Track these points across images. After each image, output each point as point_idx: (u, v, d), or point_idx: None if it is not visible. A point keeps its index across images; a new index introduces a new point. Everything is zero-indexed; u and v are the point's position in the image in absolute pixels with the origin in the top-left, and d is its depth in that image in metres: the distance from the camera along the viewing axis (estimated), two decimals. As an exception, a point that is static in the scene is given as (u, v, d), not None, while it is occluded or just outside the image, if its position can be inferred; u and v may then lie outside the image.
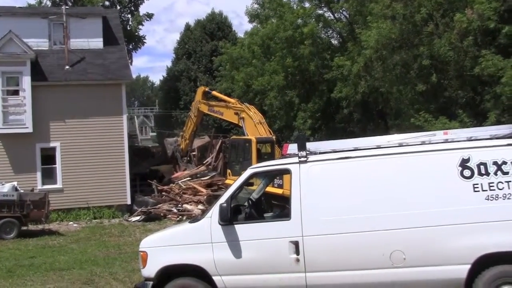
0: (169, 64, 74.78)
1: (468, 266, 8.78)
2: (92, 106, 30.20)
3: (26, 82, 29.21)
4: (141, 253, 9.99)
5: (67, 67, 30.84)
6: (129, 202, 30.77)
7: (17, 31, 29.18)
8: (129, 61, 37.11)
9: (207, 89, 35.69)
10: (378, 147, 9.66)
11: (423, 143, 9.63)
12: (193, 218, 11.15)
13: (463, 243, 8.81)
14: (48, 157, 29.91)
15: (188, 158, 36.97)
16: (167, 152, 38.68)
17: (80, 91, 30.45)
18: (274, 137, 27.45)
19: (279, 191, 20.35)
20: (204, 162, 36.90)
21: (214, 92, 34.84)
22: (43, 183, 29.39)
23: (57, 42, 32.10)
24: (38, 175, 29.55)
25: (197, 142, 38.21)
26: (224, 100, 31.93)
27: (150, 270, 9.78)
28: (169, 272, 9.72)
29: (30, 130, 29.07)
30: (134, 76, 47.65)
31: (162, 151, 39.94)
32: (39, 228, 25.69)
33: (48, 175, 29.85)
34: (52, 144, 29.96)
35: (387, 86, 31.14)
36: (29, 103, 29.06)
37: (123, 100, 31.59)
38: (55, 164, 29.96)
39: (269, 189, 19.60)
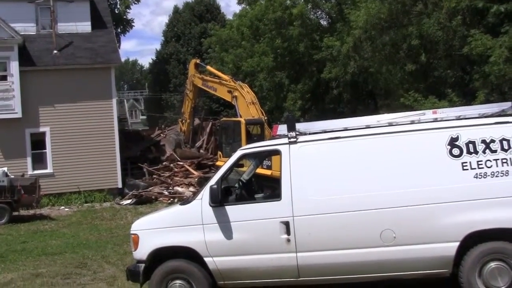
0: (157, 47, 74.74)
1: (457, 244, 8.88)
2: (81, 90, 30.06)
3: (14, 67, 29.02)
4: (133, 236, 10.02)
5: (55, 51, 30.64)
6: (120, 185, 30.75)
7: (3, 16, 28.91)
8: (118, 44, 36.86)
9: (198, 61, 35.47)
10: (368, 127, 9.69)
11: (412, 122, 9.68)
12: (184, 200, 11.17)
13: (452, 221, 8.88)
14: (38, 142, 29.80)
15: (192, 143, 36.88)
16: (170, 148, 37.69)
17: (69, 76, 30.28)
18: (265, 118, 27.40)
19: (268, 172, 20.36)
20: (196, 145, 36.85)
21: (208, 67, 34.60)
22: (34, 168, 29.30)
23: (44, 26, 31.80)
24: (28, 160, 29.45)
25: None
26: (218, 76, 31.75)
27: (142, 252, 9.82)
28: (161, 254, 9.77)
29: (19, 115, 28.94)
30: (122, 59, 47.42)
31: (166, 149, 38.73)
32: (30, 213, 25.67)
33: (38, 160, 29.75)
34: (41, 129, 29.83)
35: (377, 66, 31.16)
36: (17, 88, 28.89)
37: (113, 84, 31.48)
38: (45, 149, 29.86)
39: (258, 170, 19.62)
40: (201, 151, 36.20)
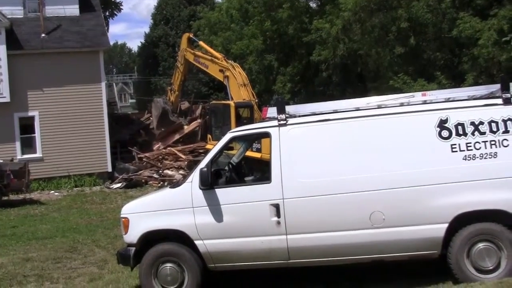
0: (146, 30, 74.35)
1: (446, 225, 8.96)
2: (70, 74, 29.87)
3: (1, 51, 28.72)
4: (123, 220, 10.02)
5: (43, 35, 30.37)
6: (110, 169, 30.69)
7: (-10, -1, 28.72)
8: (106, 28, 36.62)
9: (191, 35, 34.95)
10: (358, 109, 9.71)
11: (402, 104, 9.70)
12: (174, 184, 11.18)
13: (441, 203, 8.96)
14: (27, 127, 29.63)
15: (179, 112, 36.72)
16: (156, 113, 37.81)
17: (57, 59, 30.07)
18: (256, 100, 27.31)
19: (257, 155, 20.35)
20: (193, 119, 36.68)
21: (201, 43, 34.04)
22: (23, 153, 29.15)
23: (32, 9, 31.54)
24: (17, 144, 29.29)
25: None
26: (211, 53, 31.42)
27: (132, 236, 9.83)
28: (151, 238, 9.78)
29: (7, 99, 28.73)
30: (111, 43, 47.12)
31: (152, 114, 38.76)
32: (20, 197, 25.58)
33: (28, 145, 29.60)
34: (30, 113, 29.66)
35: (366, 49, 31.13)
36: (5, 72, 28.65)
37: (101, 68, 31.30)
38: (34, 133, 29.69)
39: (247, 153, 19.62)
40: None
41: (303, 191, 9.24)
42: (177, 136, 34.45)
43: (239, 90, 26.96)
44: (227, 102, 26.82)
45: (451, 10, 26.39)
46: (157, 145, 34.01)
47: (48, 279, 12.03)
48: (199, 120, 35.35)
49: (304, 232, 9.25)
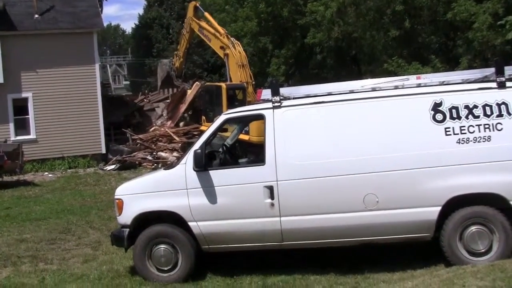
0: (139, 11, 73.94)
1: (439, 208, 8.99)
2: (64, 55, 29.70)
3: (-6, 31, 28.65)
4: (117, 201, 10.04)
5: (36, 15, 30.14)
6: (103, 151, 30.62)
7: (-18, -21, 28.46)
8: (100, 9, 36.39)
9: (198, 4, 34.65)
10: (352, 92, 9.71)
11: (396, 87, 9.71)
12: (168, 165, 11.18)
13: (434, 186, 8.98)
14: (21, 108, 29.52)
15: (184, 77, 36.68)
16: (161, 75, 37.81)
17: (51, 40, 29.88)
18: (253, 82, 27.24)
19: (245, 137, 20.28)
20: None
21: (206, 14, 33.58)
22: (16, 134, 29.04)
23: (25, -11, 31.34)
24: (11, 126, 29.17)
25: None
26: (214, 27, 31.09)
27: (126, 217, 9.85)
28: (145, 219, 9.81)
29: (1, 80, 28.55)
30: (105, 24, 46.84)
31: (158, 74, 38.86)
32: (14, 179, 25.54)
33: (21, 126, 29.48)
34: (24, 95, 29.52)
35: (360, 32, 31.11)
36: (-2, 53, 28.56)
37: (95, 49, 31.14)
38: (28, 114, 29.56)
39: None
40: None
41: (297, 173, 9.26)
42: (183, 107, 34.19)
43: (237, 71, 26.85)
44: (220, 84, 26.85)
45: (447, -7, 26.36)
46: (169, 123, 33.90)
47: (42, 260, 12.04)
48: (198, 83, 35.22)
49: (297, 214, 9.28)
